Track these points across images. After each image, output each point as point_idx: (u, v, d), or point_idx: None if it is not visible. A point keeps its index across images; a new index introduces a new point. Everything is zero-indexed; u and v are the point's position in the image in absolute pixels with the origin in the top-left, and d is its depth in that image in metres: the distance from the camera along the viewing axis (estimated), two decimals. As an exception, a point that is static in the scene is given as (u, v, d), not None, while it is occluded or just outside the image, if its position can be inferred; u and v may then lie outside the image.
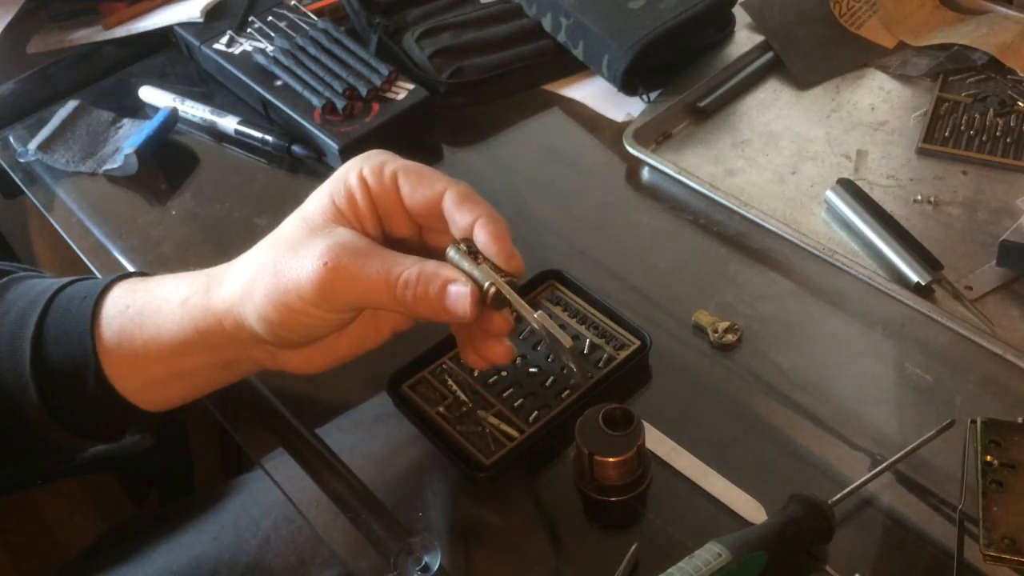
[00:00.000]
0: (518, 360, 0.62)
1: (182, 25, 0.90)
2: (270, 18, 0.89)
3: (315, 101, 0.79)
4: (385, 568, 0.52)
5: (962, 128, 0.76)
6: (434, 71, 0.83)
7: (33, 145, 0.82)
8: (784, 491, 0.53)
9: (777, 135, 0.79)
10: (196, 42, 0.88)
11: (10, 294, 0.55)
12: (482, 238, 0.50)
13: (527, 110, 0.84)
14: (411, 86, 0.81)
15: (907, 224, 0.69)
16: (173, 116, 0.83)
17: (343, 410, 0.63)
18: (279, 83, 0.82)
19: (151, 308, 0.52)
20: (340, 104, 0.79)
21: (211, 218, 0.77)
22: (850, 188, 0.71)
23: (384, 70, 0.81)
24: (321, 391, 0.64)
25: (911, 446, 0.55)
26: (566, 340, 0.50)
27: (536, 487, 0.58)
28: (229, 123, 0.82)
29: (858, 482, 0.54)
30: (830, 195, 0.71)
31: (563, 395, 0.60)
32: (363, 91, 0.79)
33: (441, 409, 0.60)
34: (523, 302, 0.49)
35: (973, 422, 0.55)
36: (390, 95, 0.80)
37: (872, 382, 0.61)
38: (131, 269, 0.73)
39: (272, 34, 0.87)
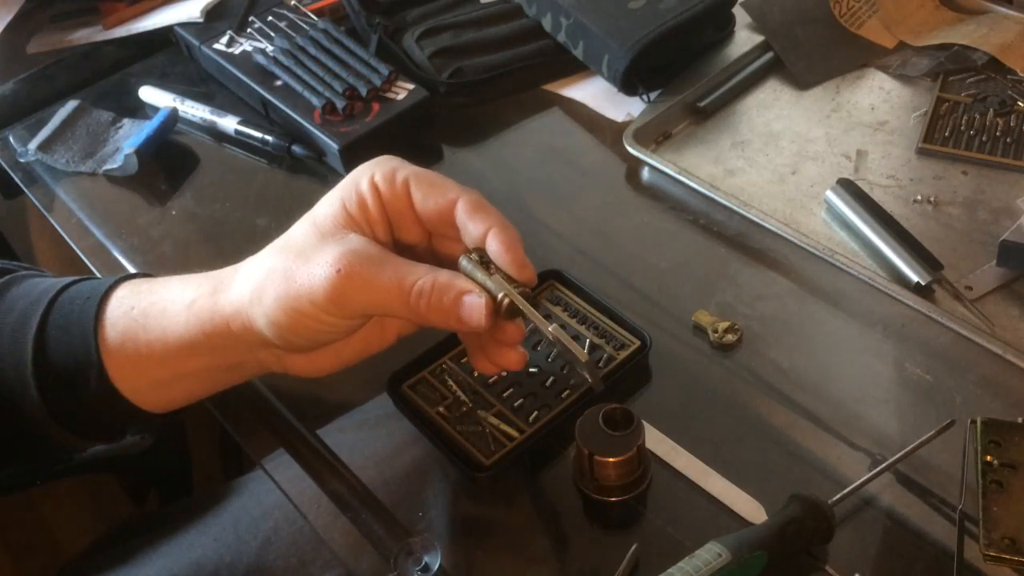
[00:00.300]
0: (518, 360, 0.62)
1: (182, 25, 0.90)
2: (270, 18, 0.89)
3: (315, 101, 0.79)
4: (385, 568, 0.52)
5: (962, 128, 0.76)
6: (434, 71, 0.83)
7: (33, 145, 0.82)
8: (784, 491, 0.53)
9: (777, 135, 0.79)
10: (196, 42, 0.88)
11: (12, 293, 0.55)
12: (495, 248, 0.50)
13: (527, 110, 0.84)
14: (411, 86, 0.81)
15: (907, 224, 0.69)
16: (173, 116, 0.83)
17: (343, 410, 0.63)
18: (279, 83, 0.82)
19: (156, 309, 0.52)
20: (340, 104, 0.79)
21: (211, 218, 0.77)
22: (850, 188, 0.71)
23: (384, 70, 0.81)
24: (321, 391, 0.64)
25: (911, 446, 0.55)
26: (581, 354, 0.50)
27: (536, 487, 0.58)
28: (229, 123, 0.82)
29: (858, 482, 0.54)
30: (830, 195, 0.71)
31: (563, 395, 0.60)
32: (363, 91, 0.79)
33: (441, 409, 0.60)
34: (538, 314, 0.49)
35: (973, 422, 0.55)
36: (390, 95, 0.80)
37: (872, 382, 0.61)
38: (131, 269, 0.73)
39: (272, 34, 0.87)
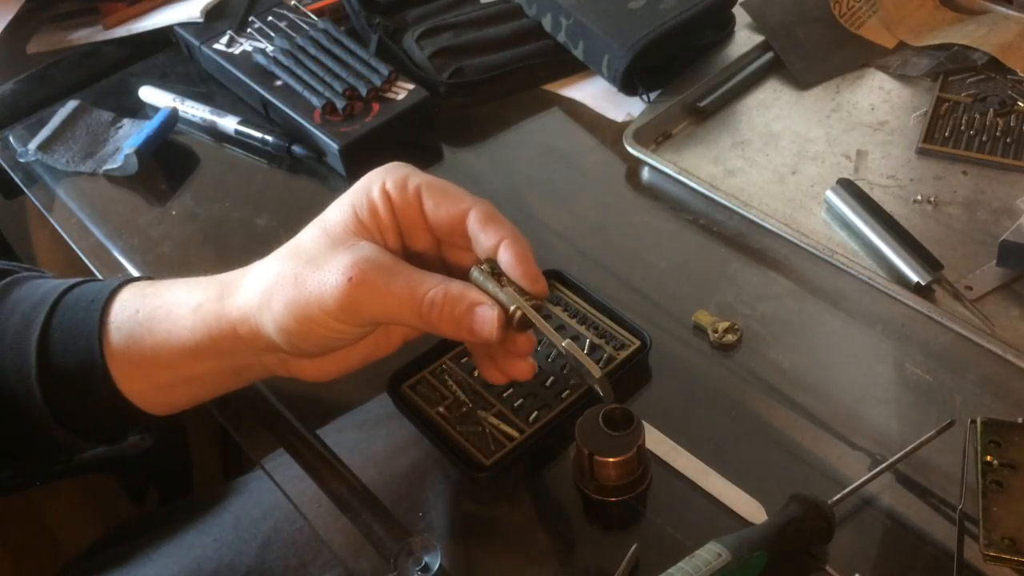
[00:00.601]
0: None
1: (182, 25, 0.90)
2: (270, 18, 0.89)
3: (315, 101, 0.79)
4: (385, 568, 0.52)
5: (962, 128, 0.76)
6: (434, 71, 0.83)
7: (33, 145, 0.82)
8: (784, 491, 0.53)
9: (777, 135, 0.79)
10: (196, 42, 0.88)
11: (14, 295, 0.54)
12: (506, 259, 0.50)
13: (527, 110, 0.84)
14: (411, 86, 0.81)
15: (907, 224, 0.69)
16: (173, 116, 0.83)
17: (343, 410, 0.63)
18: (279, 83, 0.82)
19: (162, 313, 0.52)
20: (340, 104, 0.79)
21: (211, 218, 0.77)
22: (850, 188, 0.71)
23: (384, 70, 0.81)
24: (321, 392, 0.64)
25: (911, 446, 0.55)
26: (595, 369, 0.50)
27: (536, 487, 0.58)
28: (229, 123, 0.82)
29: (858, 482, 0.54)
30: (830, 195, 0.71)
31: (563, 395, 0.60)
32: (363, 91, 0.79)
33: (441, 409, 0.60)
34: (550, 327, 0.49)
35: (973, 422, 0.55)
36: (390, 95, 0.80)
37: (872, 382, 0.61)
38: (131, 268, 0.73)
39: (272, 34, 0.87)
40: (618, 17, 0.81)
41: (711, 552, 0.49)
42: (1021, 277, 0.65)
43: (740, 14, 0.86)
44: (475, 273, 0.51)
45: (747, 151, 0.78)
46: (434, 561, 0.52)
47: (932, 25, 0.86)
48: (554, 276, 0.67)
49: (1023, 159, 0.74)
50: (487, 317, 0.49)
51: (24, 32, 0.95)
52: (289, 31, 0.87)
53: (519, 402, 0.60)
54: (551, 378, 0.61)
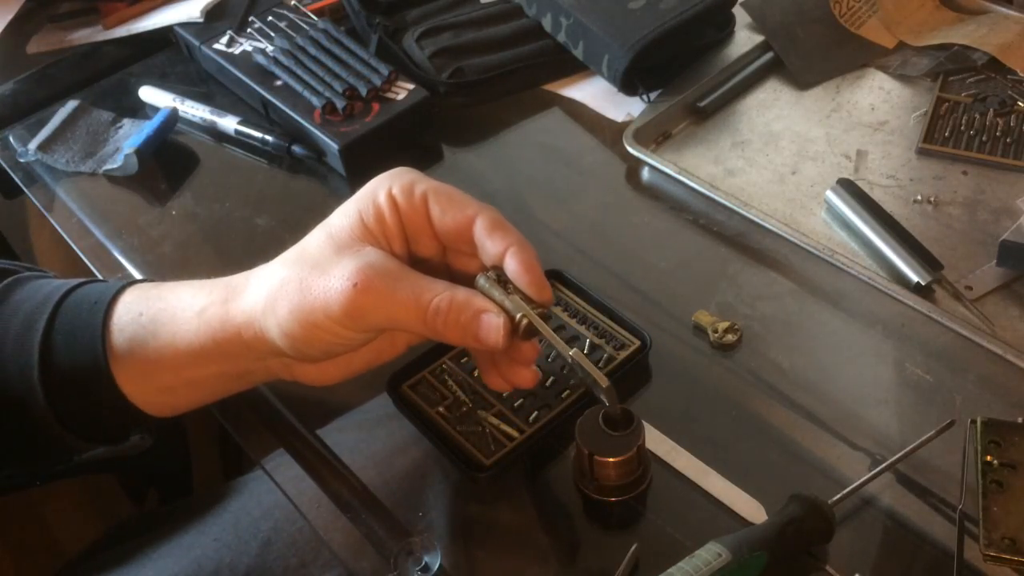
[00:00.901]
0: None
1: (182, 25, 0.90)
2: (270, 18, 0.89)
3: (315, 101, 0.79)
4: (385, 568, 0.52)
5: (962, 128, 0.76)
6: (434, 71, 0.83)
7: (33, 145, 0.82)
8: (784, 491, 0.53)
9: (777, 135, 0.79)
10: (196, 42, 0.88)
11: (16, 295, 0.54)
12: (513, 267, 0.50)
13: (527, 110, 0.84)
14: (411, 86, 0.81)
15: (907, 224, 0.69)
16: (173, 116, 0.83)
17: (343, 411, 0.63)
18: (279, 83, 0.82)
19: (165, 316, 0.52)
20: (340, 104, 0.79)
21: (211, 218, 0.77)
22: (850, 188, 0.71)
23: (384, 70, 0.81)
24: (322, 392, 0.63)
25: (911, 446, 0.55)
26: (602, 379, 0.50)
27: (536, 487, 0.58)
28: (229, 123, 0.82)
29: (858, 482, 0.54)
30: (830, 195, 0.71)
31: (563, 395, 0.60)
32: (363, 91, 0.79)
33: (441, 409, 0.60)
34: (556, 336, 0.50)
35: (973, 422, 0.55)
36: (390, 95, 0.80)
37: (872, 382, 0.61)
38: (131, 268, 0.73)
39: (272, 34, 0.87)
40: (618, 17, 0.81)
41: (711, 552, 0.49)
42: (1021, 277, 0.65)
43: (740, 14, 0.86)
44: (481, 280, 0.51)
45: (747, 151, 0.78)
46: (434, 561, 0.52)
47: (932, 25, 0.86)
48: (554, 276, 0.67)
49: (1023, 159, 0.74)
50: (493, 325, 0.49)
51: (24, 32, 0.95)
52: (289, 31, 0.87)
53: (519, 402, 0.60)
54: (551, 378, 0.61)
